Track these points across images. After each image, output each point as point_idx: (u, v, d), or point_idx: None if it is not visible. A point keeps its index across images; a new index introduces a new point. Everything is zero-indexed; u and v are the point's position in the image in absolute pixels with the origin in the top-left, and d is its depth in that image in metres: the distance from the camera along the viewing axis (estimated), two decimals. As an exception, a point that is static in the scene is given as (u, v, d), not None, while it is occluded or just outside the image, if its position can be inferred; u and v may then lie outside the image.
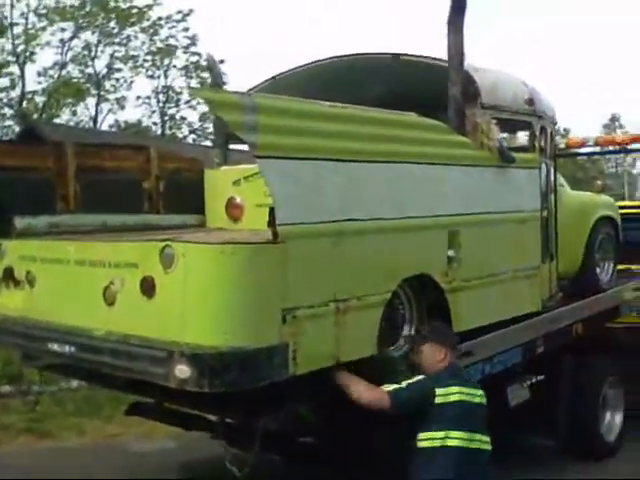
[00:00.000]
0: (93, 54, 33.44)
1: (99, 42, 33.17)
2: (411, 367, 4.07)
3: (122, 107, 35.01)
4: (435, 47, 5.02)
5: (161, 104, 35.75)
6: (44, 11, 31.51)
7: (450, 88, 4.70)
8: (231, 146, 5.75)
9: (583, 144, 10.08)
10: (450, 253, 4.44)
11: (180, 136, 35.01)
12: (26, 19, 31.31)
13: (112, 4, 32.09)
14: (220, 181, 5.20)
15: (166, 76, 34.97)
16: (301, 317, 3.39)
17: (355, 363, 3.78)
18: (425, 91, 4.89)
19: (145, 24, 33.16)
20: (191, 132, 35.57)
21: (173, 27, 33.71)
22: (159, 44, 33.98)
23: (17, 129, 28.60)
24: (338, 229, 3.61)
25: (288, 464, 4.89)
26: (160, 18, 33.19)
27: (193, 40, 33.86)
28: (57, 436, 5.86)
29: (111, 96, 34.69)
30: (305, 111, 3.66)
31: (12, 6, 30.49)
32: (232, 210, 5.01)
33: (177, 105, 35.61)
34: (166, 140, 29.43)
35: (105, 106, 34.72)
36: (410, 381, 3.83)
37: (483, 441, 3.81)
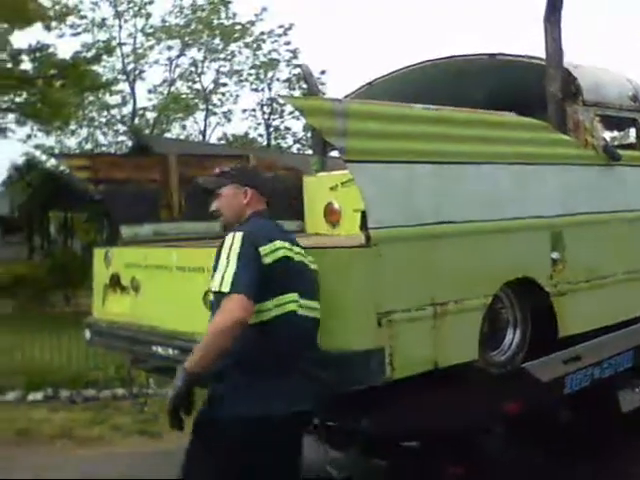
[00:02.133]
0: (200, 70, 34.65)
1: (205, 58, 34.34)
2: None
3: (229, 120, 36.07)
4: (528, 47, 4.92)
5: (266, 116, 36.57)
6: (151, 30, 32.91)
7: (549, 86, 4.55)
8: (330, 153, 5.81)
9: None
10: (554, 255, 4.29)
11: (285, 146, 35.67)
12: (134, 39, 32.81)
13: (216, 22, 33.14)
14: (318, 187, 5.26)
15: (270, 89, 35.74)
16: (397, 321, 3.36)
17: (456, 368, 3.71)
18: (523, 90, 4.76)
19: (248, 39, 34.07)
20: (295, 142, 36.16)
21: (275, 41, 34.46)
22: (262, 58, 34.81)
23: (129, 144, 29.97)
24: (432, 232, 3.56)
25: (391, 468, 4.85)
26: (263, 33, 34.01)
27: (295, 53, 34.47)
28: (166, 438, 6.05)
29: (218, 110, 35.83)
30: (396, 114, 3.65)
31: (120, 27, 32.05)
32: (330, 215, 5.05)
33: (281, 116, 36.30)
34: (269, 150, 30.01)
35: (213, 120, 35.89)
36: (229, 265, 2.85)
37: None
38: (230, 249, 2.88)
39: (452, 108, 3.98)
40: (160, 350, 3.98)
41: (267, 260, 2.87)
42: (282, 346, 2.89)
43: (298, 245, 3.14)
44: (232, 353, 2.80)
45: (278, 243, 2.96)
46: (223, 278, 2.82)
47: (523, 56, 4.99)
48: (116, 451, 6.08)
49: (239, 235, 2.91)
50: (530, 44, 4.91)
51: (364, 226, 3.26)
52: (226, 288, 2.78)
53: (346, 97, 5.32)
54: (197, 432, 2.95)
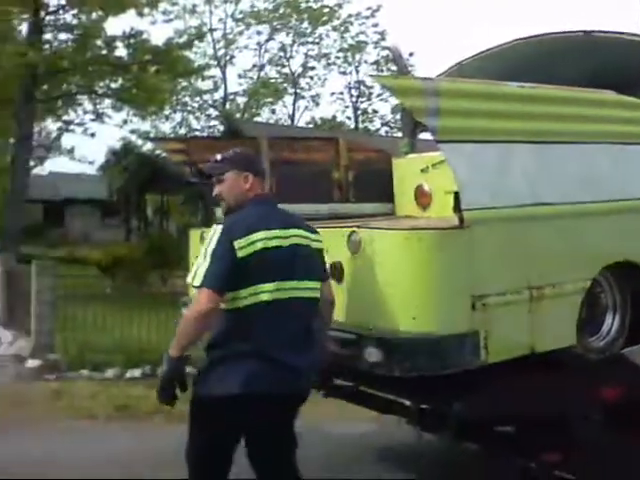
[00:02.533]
0: (288, 54, 34.92)
1: (293, 42, 34.59)
2: None
3: (317, 104, 36.39)
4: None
5: (354, 99, 36.52)
6: (240, 16, 33.36)
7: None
8: (420, 135, 5.74)
9: None
10: None
11: (372, 129, 35.54)
12: (224, 24, 33.35)
13: (304, 5, 33.25)
14: (408, 169, 5.19)
15: (357, 71, 35.70)
16: (492, 304, 3.30)
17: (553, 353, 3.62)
18: (622, 69, 4.56)
19: (336, 22, 34.05)
20: (383, 125, 36.01)
21: (363, 24, 34.29)
22: (350, 41, 34.72)
23: (221, 128, 30.57)
24: (528, 213, 3.47)
25: (485, 452, 4.80)
26: (350, 15, 33.96)
27: (382, 35, 34.24)
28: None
29: (306, 94, 36.09)
30: (489, 93, 3.56)
31: (211, 12, 32.61)
32: (420, 198, 4.98)
33: (369, 99, 36.19)
34: (357, 133, 29.98)
35: (301, 103, 36.18)
36: (205, 260, 3.08)
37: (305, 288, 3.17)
38: (209, 244, 3.14)
39: (548, 86, 3.86)
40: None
41: (241, 254, 3.04)
42: (252, 332, 3.07)
43: (300, 228, 3.27)
44: (212, 336, 3.15)
45: (259, 234, 3.09)
46: (196, 272, 3.12)
47: (622, 33, 4.77)
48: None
49: (219, 230, 3.14)
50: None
51: (457, 208, 3.22)
52: (197, 282, 3.07)
53: (435, 77, 5.23)
54: (189, 410, 3.31)
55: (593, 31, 4.97)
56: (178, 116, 34.11)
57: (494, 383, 3.59)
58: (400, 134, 6.23)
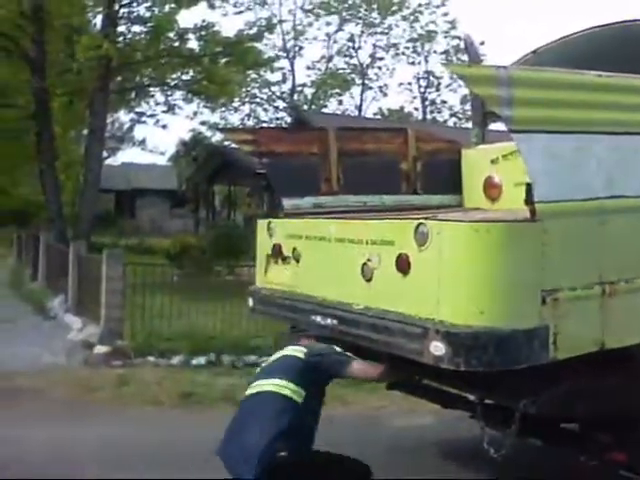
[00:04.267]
0: (357, 45, 34.82)
1: (362, 33, 34.48)
2: None
3: (385, 94, 36.20)
4: None
5: (422, 89, 36.17)
6: (310, 7, 33.42)
7: None
8: (490, 126, 5.64)
9: None
10: None
11: (440, 120, 35.15)
12: (294, 15, 33.48)
13: (373, -5, 33.10)
14: (478, 160, 5.11)
15: (427, 61, 35.33)
16: (563, 299, 3.22)
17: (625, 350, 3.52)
18: None
19: (405, 12, 33.77)
20: (452, 115, 35.58)
21: (433, 13, 33.90)
22: (419, 30, 34.39)
23: (289, 120, 30.74)
24: (603, 206, 3.37)
25: (548, 450, 4.71)
26: (420, 5, 33.61)
27: (453, 24, 33.80)
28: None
29: (374, 84, 35.93)
30: (564, 82, 3.45)
31: (280, 4, 32.79)
32: (490, 189, 4.90)
33: (437, 89, 35.79)
34: (426, 124, 29.69)
35: (369, 94, 36.08)
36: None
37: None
38: None
39: (626, 75, 3.73)
40: (319, 319, 4.07)
41: None
42: None
43: None
44: None
45: None
46: None
47: None
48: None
49: None
50: None
51: (529, 200, 3.14)
52: None
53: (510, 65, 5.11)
54: None
55: None
56: (247, 108, 34.52)
57: (562, 380, 3.50)
58: (469, 125, 6.13)
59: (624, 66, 4.31)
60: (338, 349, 4.03)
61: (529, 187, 3.14)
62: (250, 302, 4.98)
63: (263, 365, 4.23)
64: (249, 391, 4.02)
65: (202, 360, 8.45)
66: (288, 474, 3.65)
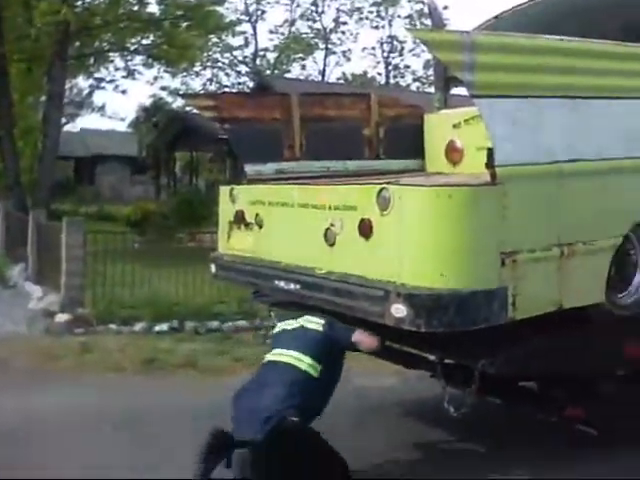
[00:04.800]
0: (320, 9, 34.44)
1: (325, -4, 34.02)
2: None
3: (348, 59, 36.02)
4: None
5: (385, 54, 36.03)
6: (273, -31, 32.87)
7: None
8: (452, 91, 5.65)
9: None
10: None
11: (404, 85, 35.10)
12: (257, -21, 32.89)
13: (337, -43, 32.65)
14: (440, 125, 5.13)
15: (390, 26, 35.14)
16: (522, 261, 3.29)
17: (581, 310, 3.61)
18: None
19: (369, -26, 33.42)
20: (415, 80, 35.53)
21: (397, -24, 33.61)
22: (383, -6, 34.11)
23: (251, 85, 30.42)
24: (562, 170, 3.43)
25: (507, 407, 4.84)
26: (384, -33, 33.24)
27: (416, -13, 33.51)
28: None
29: (338, 49, 35.66)
30: (526, 46, 3.48)
31: (243, -33, 32.21)
32: (452, 154, 4.93)
33: (401, 54, 35.67)
34: (389, 89, 29.64)
35: (332, 59, 35.84)
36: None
37: None
38: None
39: (585, 40, 3.77)
40: (282, 284, 4.10)
41: None
42: None
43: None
44: None
45: None
46: None
47: None
48: (239, 381, 6.34)
49: None
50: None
51: (490, 163, 3.18)
52: None
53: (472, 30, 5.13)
54: None
55: None
56: (208, 73, 34.06)
57: (520, 340, 3.58)
58: (432, 89, 6.15)
59: (584, 31, 4.36)
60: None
61: (490, 151, 3.18)
62: (213, 268, 4.98)
63: (280, 331, 4.22)
64: (269, 357, 4.05)
65: (165, 327, 8.41)
66: (293, 441, 3.70)
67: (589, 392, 4.17)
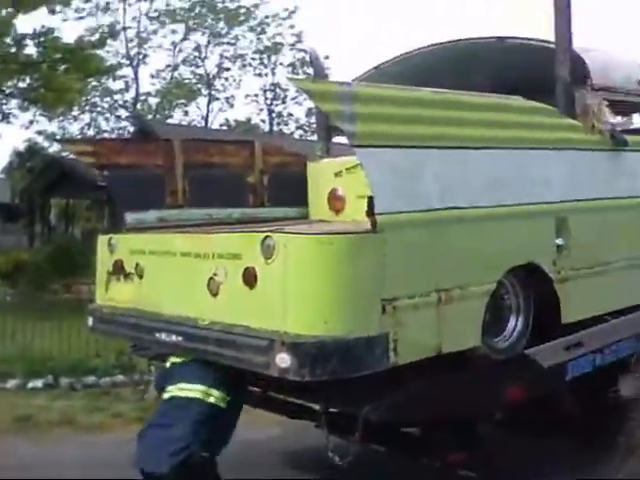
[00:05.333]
0: (203, 55, 34.54)
1: (209, 43, 34.23)
2: None
3: (232, 105, 36.09)
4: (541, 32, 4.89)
5: (269, 101, 36.46)
6: (155, 14, 32.79)
7: (558, 69, 4.54)
8: (335, 139, 5.77)
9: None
10: (559, 241, 4.27)
11: (287, 132, 35.58)
12: (138, 22, 32.69)
13: (220, 5, 32.95)
14: (322, 173, 5.22)
15: (273, 73, 35.66)
16: (402, 307, 3.35)
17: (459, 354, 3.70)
18: (532, 74, 4.73)
19: (252, 23, 33.91)
20: (298, 128, 36.10)
21: (279, 25, 34.29)
22: (266, 42, 34.65)
23: (132, 129, 29.91)
24: (439, 217, 3.55)
25: (391, 455, 4.86)
26: (267, 17, 33.86)
27: (299, 37, 34.36)
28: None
29: (221, 95, 35.77)
30: (404, 98, 3.62)
31: (124, 10, 31.93)
32: (334, 202, 5.01)
33: (284, 102, 36.20)
34: (273, 136, 29.94)
35: (216, 105, 35.83)
36: None
37: None
38: None
39: (460, 92, 3.96)
40: (164, 337, 3.98)
41: None
42: None
43: None
44: None
45: None
46: None
47: (532, 39, 4.96)
48: (118, 438, 6.09)
49: None
50: (541, 29, 4.89)
51: (370, 212, 3.24)
52: None
53: (352, 81, 5.28)
54: None
55: (505, 37, 5.15)
56: (87, 117, 33.26)
57: (402, 385, 3.62)
58: (315, 137, 6.26)
59: (462, 82, 4.60)
60: None
61: (370, 200, 3.24)
62: (90, 321, 4.78)
63: (173, 364, 4.07)
64: (174, 393, 3.88)
65: (39, 383, 7.99)
66: (201, 477, 3.65)
67: (471, 436, 4.25)
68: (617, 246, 4.82)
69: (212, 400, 3.79)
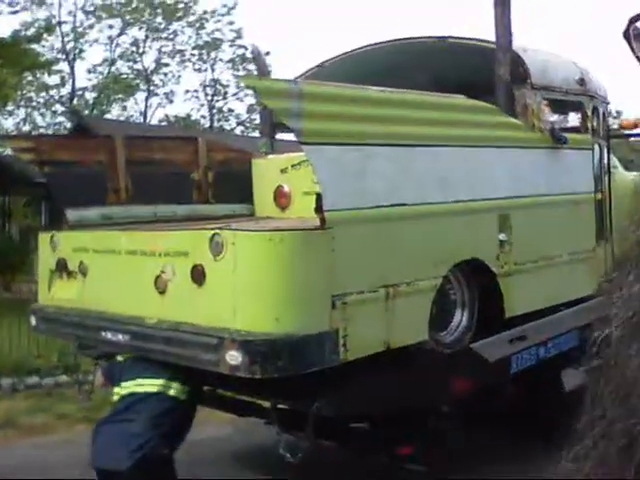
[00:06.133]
0: (141, 50, 33.96)
1: (146, 38, 33.66)
2: None
3: (171, 101, 35.53)
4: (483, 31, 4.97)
5: (209, 97, 36.10)
6: (91, 8, 32.09)
7: (498, 69, 4.64)
8: (278, 136, 5.77)
9: (637, 125, 9.80)
10: (501, 237, 4.37)
11: (228, 128, 35.31)
12: (74, 17, 31.93)
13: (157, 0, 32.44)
14: (267, 170, 5.21)
15: (213, 69, 35.29)
16: (351, 303, 3.38)
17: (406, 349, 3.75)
18: (473, 74, 4.82)
19: (191, 18, 33.51)
20: (239, 124, 35.84)
21: (219, 21, 33.96)
22: (205, 38, 34.29)
23: (69, 125, 29.22)
24: (386, 214, 3.59)
25: (341, 451, 4.88)
26: (205, 12, 33.50)
27: (239, 33, 34.06)
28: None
29: (160, 91, 35.22)
30: (351, 96, 3.64)
31: (60, 4, 31.16)
32: (280, 199, 5.01)
33: (225, 98, 35.87)
34: (214, 132, 29.68)
35: (154, 101, 35.28)
36: None
37: None
38: None
39: (403, 90, 4.00)
40: (110, 336, 3.92)
41: None
42: None
43: None
44: None
45: None
46: None
47: (472, 39, 5.04)
48: (62, 439, 5.97)
49: None
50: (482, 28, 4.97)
51: (319, 209, 3.25)
52: None
53: (296, 78, 5.28)
54: None
55: (445, 36, 5.21)
56: (22, 112, 32.37)
57: (350, 380, 3.64)
58: (257, 134, 6.24)
59: (404, 81, 4.65)
60: None
61: (319, 196, 3.26)
62: (33, 321, 4.67)
63: (125, 359, 4.01)
64: (132, 389, 3.84)
65: (-21, 384, 7.76)
66: (160, 472, 3.64)
67: (419, 429, 4.30)
68: (558, 241, 4.96)
69: (172, 392, 3.78)
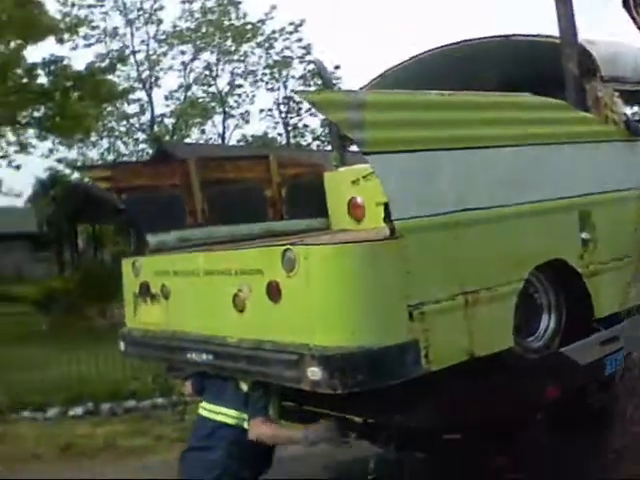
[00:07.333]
0: (214, 73, 34.78)
1: (218, 61, 34.46)
2: None
3: (247, 121, 36.22)
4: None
5: (283, 115, 36.58)
6: (163, 36, 33.06)
7: (566, 64, 4.49)
8: (350, 147, 5.77)
9: None
10: (584, 235, 4.21)
11: (304, 144, 35.65)
12: (147, 46, 33.00)
13: (227, 23, 33.15)
14: (339, 183, 5.22)
15: (285, 87, 35.78)
16: (429, 312, 3.30)
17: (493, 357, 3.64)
18: (540, 70, 4.70)
19: (260, 39, 34.10)
20: (315, 139, 36.15)
21: (287, 39, 34.44)
22: (275, 57, 34.82)
23: (150, 152, 30.17)
24: (458, 220, 3.50)
25: (433, 461, 4.81)
26: (274, 31, 34.05)
27: (307, 49, 34.44)
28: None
29: (235, 112, 35.96)
30: (412, 102, 3.60)
31: (132, 35, 32.27)
32: (354, 210, 5.01)
33: (299, 114, 36.29)
34: (289, 149, 30.01)
35: (231, 122, 36.02)
36: None
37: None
38: None
39: (466, 92, 3.93)
40: (194, 356, 3.99)
41: None
42: None
43: None
44: None
45: None
46: None
47: (537, 35, 4.92)
48: (162, 460, 6.09)
49: None
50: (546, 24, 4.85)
51: (387, 218, 3.22)
52: None
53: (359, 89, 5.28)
54: None
55: (510, 35, 5.11)
56: (105, 142, 33.62)
57: (438, 391, 3.58)
58: (330, 147, 6.27)
59: (468, 83, 4.57)
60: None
61: (387, 206, 3.23)
62: (122, 345, 4.81)
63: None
64: (206, 413, 4.06)
65: (79, 410, 8.08)
66: None
67: (513, 439, 4.19)
68: (641, 236, 4.74)
69: (245, 425, 3.85)
